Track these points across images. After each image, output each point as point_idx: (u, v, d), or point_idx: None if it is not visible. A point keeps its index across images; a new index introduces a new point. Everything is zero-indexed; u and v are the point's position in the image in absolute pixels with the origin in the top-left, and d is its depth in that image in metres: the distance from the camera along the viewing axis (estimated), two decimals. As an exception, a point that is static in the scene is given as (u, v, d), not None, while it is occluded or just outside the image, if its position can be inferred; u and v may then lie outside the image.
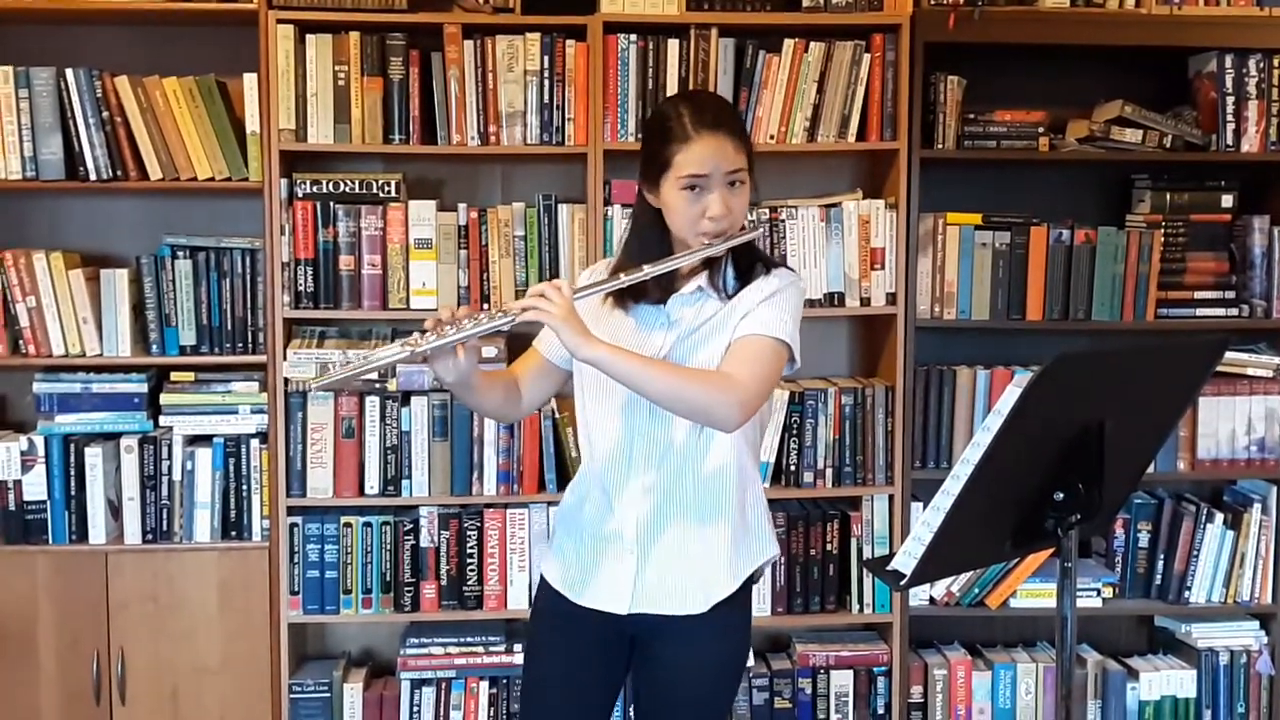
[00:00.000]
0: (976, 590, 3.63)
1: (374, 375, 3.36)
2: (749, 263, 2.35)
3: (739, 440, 2.32)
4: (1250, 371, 3.64)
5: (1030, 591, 3.62)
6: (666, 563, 2.32)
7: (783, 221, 3.51)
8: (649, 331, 2.33)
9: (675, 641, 2.35)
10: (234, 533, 3.49)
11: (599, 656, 2.41)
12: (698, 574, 2.32)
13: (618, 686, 2.48)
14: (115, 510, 3.47)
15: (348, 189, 3.44)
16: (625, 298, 2.35)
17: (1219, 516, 3.67)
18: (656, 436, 2.31)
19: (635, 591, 2.33)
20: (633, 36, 3.42)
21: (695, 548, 2.32)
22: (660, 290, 2.33)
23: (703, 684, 2.37)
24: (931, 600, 3.65)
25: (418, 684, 3.52)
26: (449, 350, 2.18)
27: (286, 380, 3.41)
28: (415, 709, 3.53)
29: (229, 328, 3.46)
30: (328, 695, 3.49)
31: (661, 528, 2.32)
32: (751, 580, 2.40)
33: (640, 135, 2.32)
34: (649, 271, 2.25)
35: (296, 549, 3.47)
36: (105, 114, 3.36)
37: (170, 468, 3.46)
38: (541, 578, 2.47)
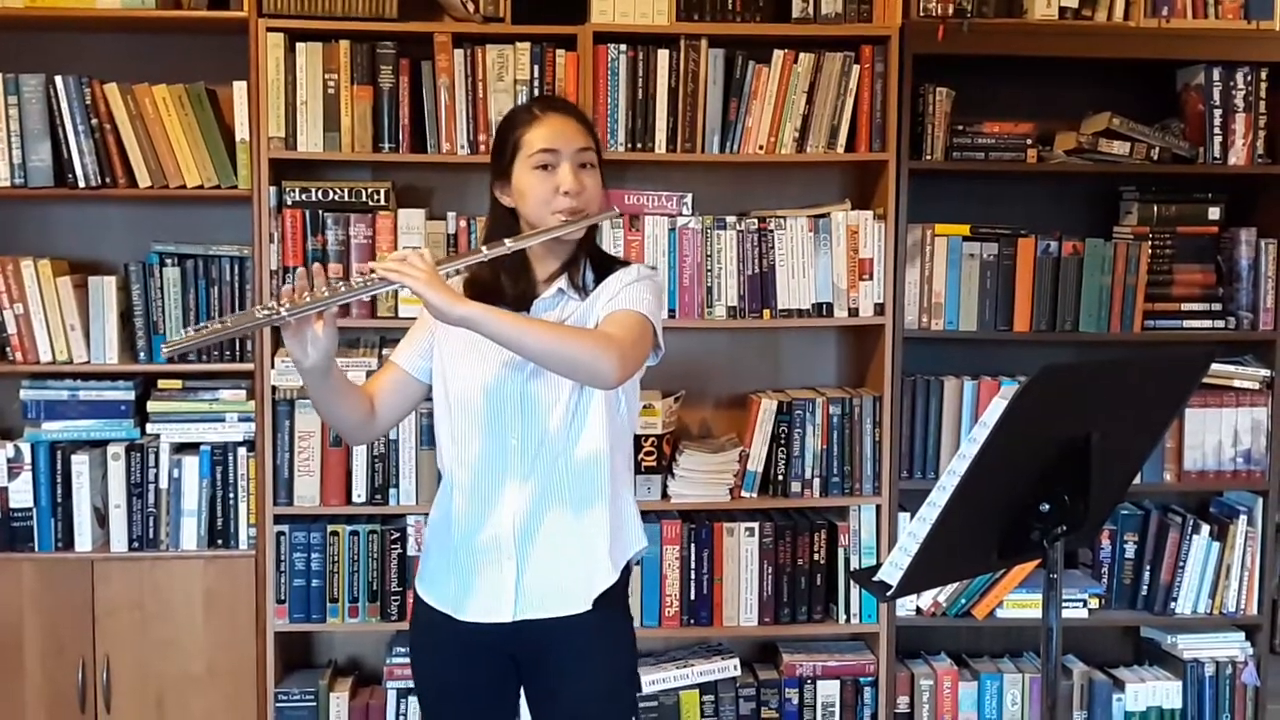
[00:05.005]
0: (963, 601, 3.64)
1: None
2: (607, 265, 2.37)
3: (608, 429, 2.30)
4: (1237, 383, 3.65)
5: (1016, 602, 3.63)
6: (547, 561, 2.30)
7: (771, 232, 3.52)
8: None
9: (561, 650, 2.31)
10: (220, 541, 3.48)
11: (484, 673, 2.36)
12: (579, 568, 2.31)
13: (510, 705, 2.43)
14: (102, 518, 3.46)
15: (337, 197, 3.44)
16: (485, 302, 2.28)
17: (1205, 528, 3.68)
18: (527, 434, 2.28)
19: (518, 597, 2.30)
20: (623, 46, 3.42)
21: (574, 541, 2.30)
22: (519, 295, 2.31)
23: (596, 694, 2.33)
24: (918, 610, 3.65)
25: (404, 693, 3.51)
26: (308, 323, 2.12)
27: (274, 388, 3.40)
28: (401, 718, 3.52)
29: (217, 335, 3.45)
30: (313, 704, 3.49)
31: (539, 526, 2.30)
32: (627, 577, 2.38)
33: (488, 147, 2.31)
34: (510, 245, 2.22)
35: (283, 557, 3.46)
36: (94, 121, 3.35)
37: (157, 475, 3.45)
38: (417, 597, 2.42)
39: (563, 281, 2.32)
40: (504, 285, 2.32)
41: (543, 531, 2.30)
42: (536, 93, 3.39)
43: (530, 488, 2.29)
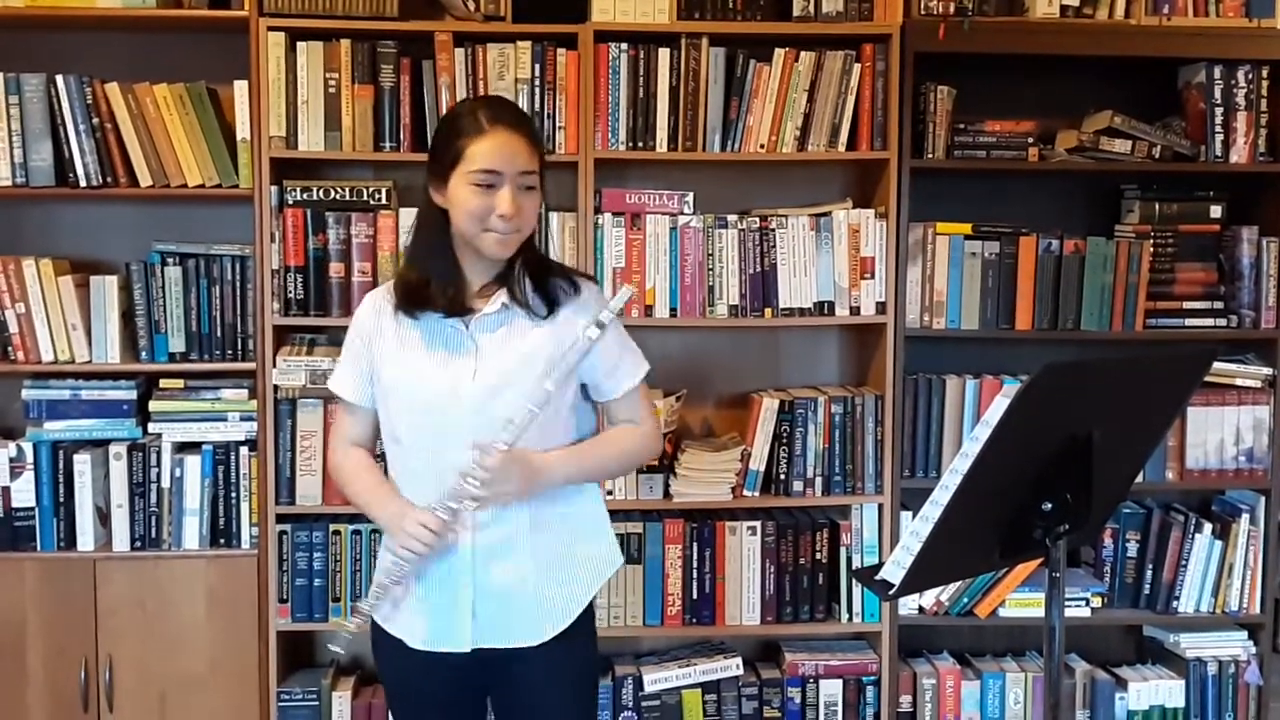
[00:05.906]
0: (965, 600, 3.63)
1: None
2: (543, 272, 2.32)
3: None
4: (1238, 382, 3.64)
5: (1019, 601, 3.62)
6: (504, 595, 2.27)
7: (772, 230, 3.51)
8: (451, 352, 2.26)
9: (516, 677, 2.32)
10: (223, 540, 3.48)
11: (446, 690, 2.36)
12: (536, 607, 2.29)
13: (479, 714, 2.44)
14: (104, 517, 3.46)
15: (338, 196, 3.44)
16: (413, 310, 2.28)
17: (1207, 526, 3.68)
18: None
19: (476, 626, 2.28)
20: (624, 45, 3.42)
21: (531, 578, 2.28)
22: (451, 303, 2.26)
23: (562, 705, 2.34)
24: (920, 609, 3.65)
25: (406, 692, 3.52)
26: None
27: (276, 387, 3.40)
28: (404, 717, 3.53)
29: (218, 335, 3.45)
30: (316, 703, 3.49)
31: (495, 558, 2.27)
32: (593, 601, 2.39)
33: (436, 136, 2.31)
34: (549, 387, 2.19)
35: (285, 556, 3.46)
36: (95, 120, 3.35)
37: (159, 475, 3.45)
38: (374, 624, 2.37)
39: (504, 295, 2.28)
40: (434, 293, 2.27)
41: (500, 565, 2.27)
42: (538, 91, 3.39)
43: (487, 519, 2.25)
